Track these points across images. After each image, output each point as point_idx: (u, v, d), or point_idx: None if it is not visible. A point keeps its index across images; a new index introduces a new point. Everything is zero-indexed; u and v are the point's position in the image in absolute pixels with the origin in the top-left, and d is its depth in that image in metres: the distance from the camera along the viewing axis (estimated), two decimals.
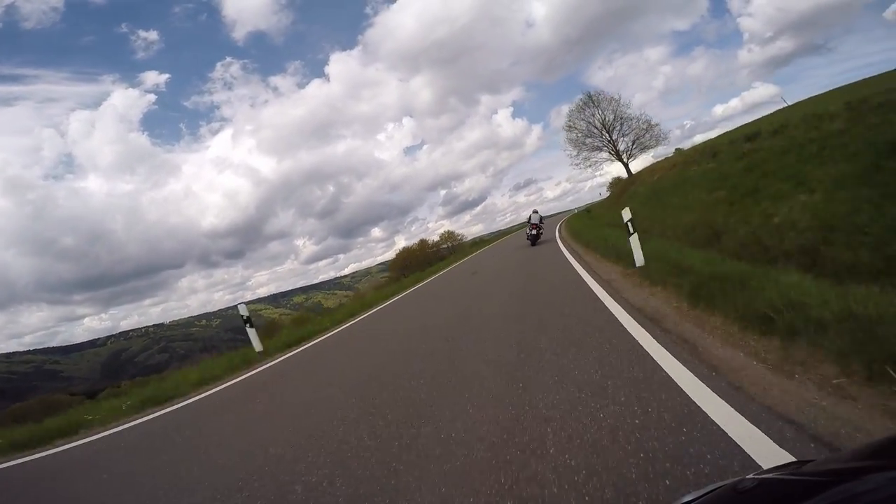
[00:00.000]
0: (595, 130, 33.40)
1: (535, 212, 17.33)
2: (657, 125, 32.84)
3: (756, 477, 0.59)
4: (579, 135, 33.70)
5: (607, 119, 32.91)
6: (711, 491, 0.61)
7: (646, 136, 32.58)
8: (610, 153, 33.64)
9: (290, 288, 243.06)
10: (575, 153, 33.84)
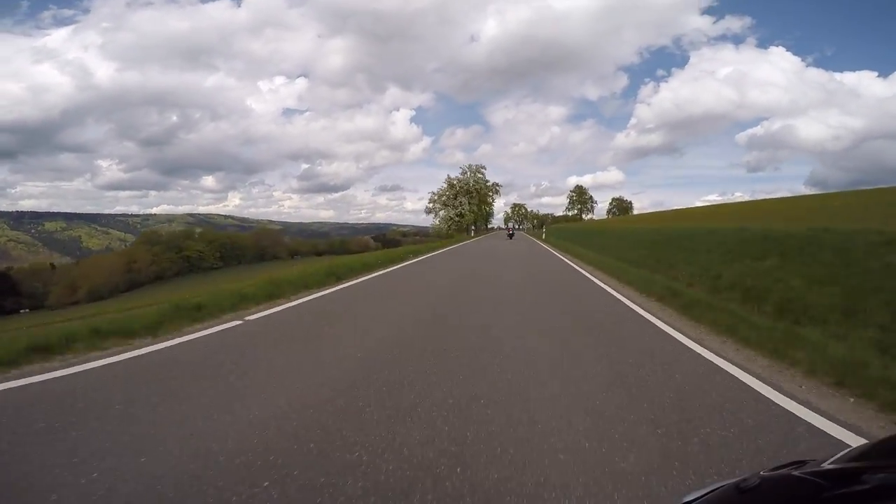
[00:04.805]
0: None
1: (512, 221, 34.98)
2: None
3: (758, 476, 0.58)
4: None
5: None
6: (713, 490, 0.61)
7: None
8: None
9: (72, 210, 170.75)
10: None
